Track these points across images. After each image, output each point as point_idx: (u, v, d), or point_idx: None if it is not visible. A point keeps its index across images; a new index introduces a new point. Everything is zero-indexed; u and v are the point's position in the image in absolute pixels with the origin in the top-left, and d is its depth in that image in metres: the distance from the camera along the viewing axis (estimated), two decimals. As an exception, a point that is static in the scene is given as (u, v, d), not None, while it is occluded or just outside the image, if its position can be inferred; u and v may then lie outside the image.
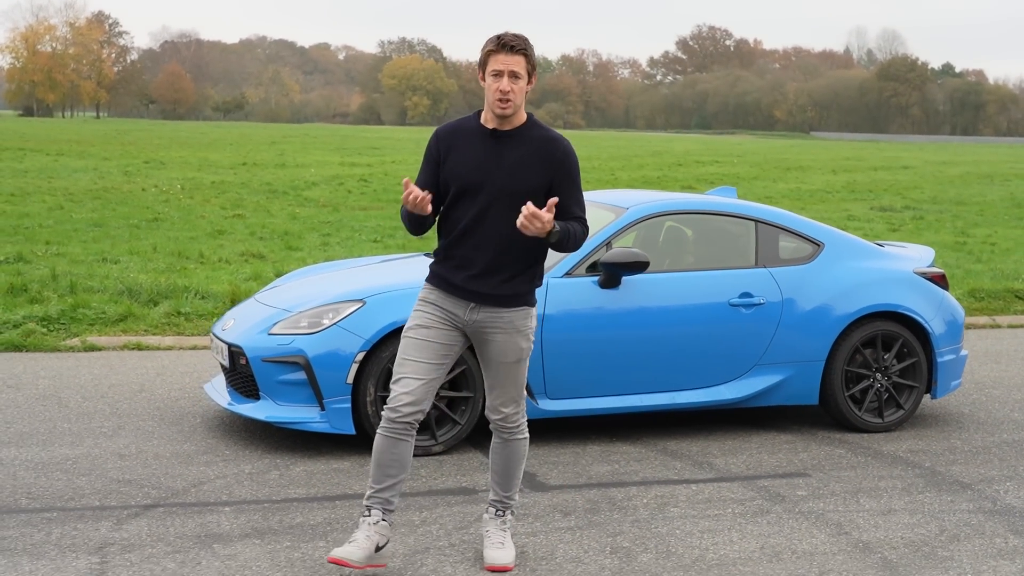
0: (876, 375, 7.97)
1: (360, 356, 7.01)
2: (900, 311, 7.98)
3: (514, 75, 4.98)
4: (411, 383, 5.07)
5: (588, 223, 5.25)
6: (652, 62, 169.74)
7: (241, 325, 7.55)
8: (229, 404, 7.46)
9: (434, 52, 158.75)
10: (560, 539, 5.71)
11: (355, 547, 5.01)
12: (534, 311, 5.24)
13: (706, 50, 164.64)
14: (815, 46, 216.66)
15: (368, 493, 5.16)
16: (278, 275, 14.34)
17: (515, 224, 4.94)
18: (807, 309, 7.83)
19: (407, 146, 56.87)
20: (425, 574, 5.22)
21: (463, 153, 5.11)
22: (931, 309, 8.11)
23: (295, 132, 77.10)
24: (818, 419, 8.32)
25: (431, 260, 5.30)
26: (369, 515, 5.11)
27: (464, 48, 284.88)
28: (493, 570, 5.23)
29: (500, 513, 5.42)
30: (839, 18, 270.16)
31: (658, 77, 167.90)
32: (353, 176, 34.17)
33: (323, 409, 7.05)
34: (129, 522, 5.84)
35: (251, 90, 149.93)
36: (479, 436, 7.43)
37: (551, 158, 5.10)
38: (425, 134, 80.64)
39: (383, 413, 5.13)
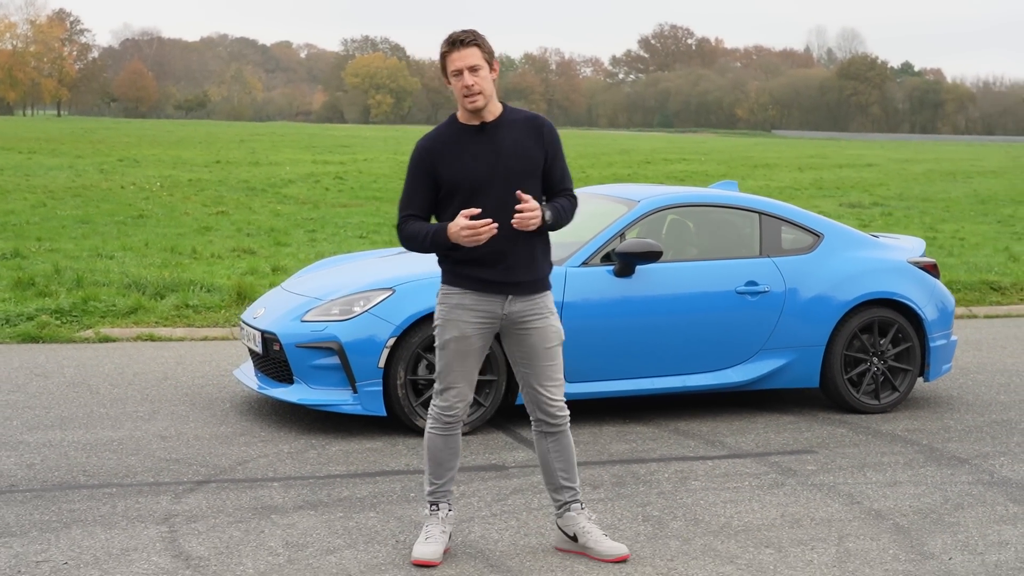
0: (873, 359, 8.42)
1: (391, 341, 7.38)
2: (896, 298, 8.43)
3: (473, 69, 5.14)
4: (461, 389, 5.31)
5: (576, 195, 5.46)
6: (614, 61, 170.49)
7: (273, 313, 7.90)
8: (260, 388, 7.81)
9: (397, 50, 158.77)
10: (594, 509, 6.09)
11: (434, 543, 5.30)
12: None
13: (668, 49, 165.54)
14: (776, 45, 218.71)
15: (430, 490, 5.42)
16: (274, 270, 14.72)
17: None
18: (808, 297, 8.26)
19: (376, 144, 57.11)
20: (475, 539, 5.61)
21: (459, 155, 5.20)
22: (924, 296, 8.57)
23: (262, 130, 77.07)
24: (816, 401, 8.76)
25: (444, 262, 5.37)
26: (438, 510, 5.39)
27: (427, 46, 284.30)
28: (618, 560, 5.36)
29: (582, 506, 5.51)
30: (799, 17, 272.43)
31: (620, 76, 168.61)
32: (328, 174, 34.42)
33: (355, 392, 7.42)
34: (186, 496, 6.19)
35: (213, 88, 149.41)
36: (500, 418, 7.83)
37: (540, 134, 5.31)
38: (391, 132, 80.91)
39: (432, 414, 5.35)
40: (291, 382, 7.64)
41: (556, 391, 5.39)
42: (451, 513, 5.43)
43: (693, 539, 5.69)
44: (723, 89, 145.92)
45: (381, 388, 7.42)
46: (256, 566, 5.20)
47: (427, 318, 7.42)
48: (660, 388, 8.00)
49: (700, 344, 8.03)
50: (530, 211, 5.11)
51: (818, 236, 8.51)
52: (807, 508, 6.22)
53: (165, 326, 11.35)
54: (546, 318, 5.34)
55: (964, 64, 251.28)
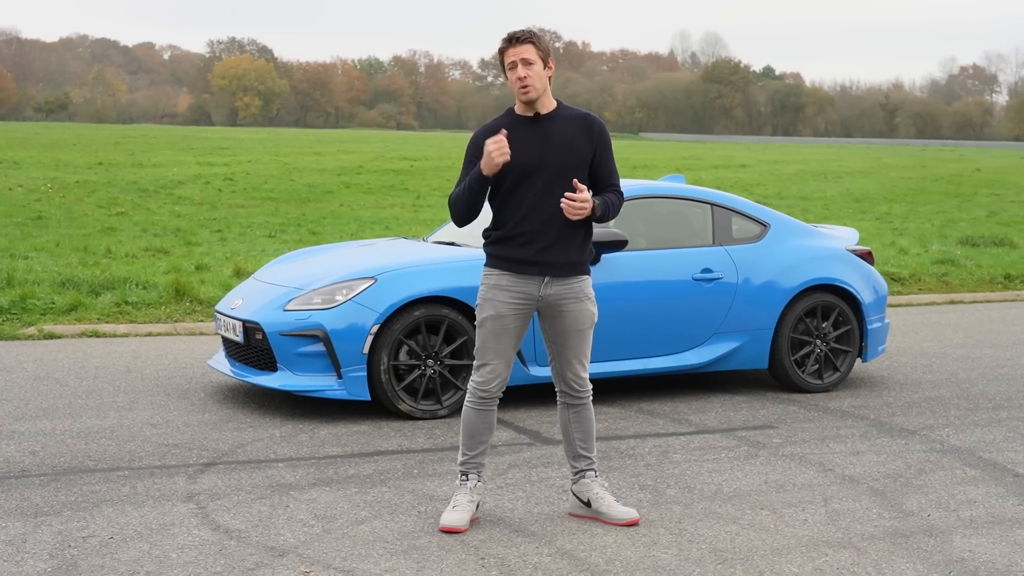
0: (816, 341, 8.96)
1: (375, 328, 7.67)
2: (837, 284, 8.98)
3: (526, 62, 5.52)
4: (496, 366, 5.64)
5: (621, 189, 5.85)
6: (483, 63, 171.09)
7: (253, 303, 8.11)
8: (241, 376, 8.04)
9: (265, 52, 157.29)
10: (591, 480, 6.46)
11: (461, 511, 5.63)
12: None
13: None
14: (641, 49, 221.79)
15: (462, 460, 5.76)
16: (198, 268, 14.81)
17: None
18: (758, 283, 8.76)
19: (253, 146, 56.72)
20: (491, 509, 5.94)
21: (512, 141, 5.57)
22: (862, 282, 9.14)
23: (132, 132, 75.92)
24: (762, 382, 9.27)
25: (487, 245, 5.69)
26: (467, 480, 5.73)
27: (295, 48, 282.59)
28: (629, 524, 5.74)
29: (597, 474, 5.91)
30: (663, 21, 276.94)
31: (489, 79, 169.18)
32: (216, 176, 34.27)
33: (340, 378, 7.68)
34: (200, 477, 6.40)
35: (75, 90, 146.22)
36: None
37: (591, 130, 5.68)
38: (263, 135, 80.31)
39: (469, 389, 5.69)
40: (274, 369, 7.87)
41: (582, 369, 5.77)
42: (480, 484, 5.75)
43: (692, 504, 6.10)
44: (591, 92, 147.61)
45: (366, 373, 7.69)
46: (295, 536, 5.46)
47: (408, 306, 7.74)
48: (624, 371, 8.41)
49: (660, 328, 8.47)
50: (580, 201, 5.43)
51: (765, 226, 9.02)
52: (786, 475, 6.68)
53: (107, 323, 11.42)
54: (581, 302, 5.67)
55: (822, 68, 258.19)
